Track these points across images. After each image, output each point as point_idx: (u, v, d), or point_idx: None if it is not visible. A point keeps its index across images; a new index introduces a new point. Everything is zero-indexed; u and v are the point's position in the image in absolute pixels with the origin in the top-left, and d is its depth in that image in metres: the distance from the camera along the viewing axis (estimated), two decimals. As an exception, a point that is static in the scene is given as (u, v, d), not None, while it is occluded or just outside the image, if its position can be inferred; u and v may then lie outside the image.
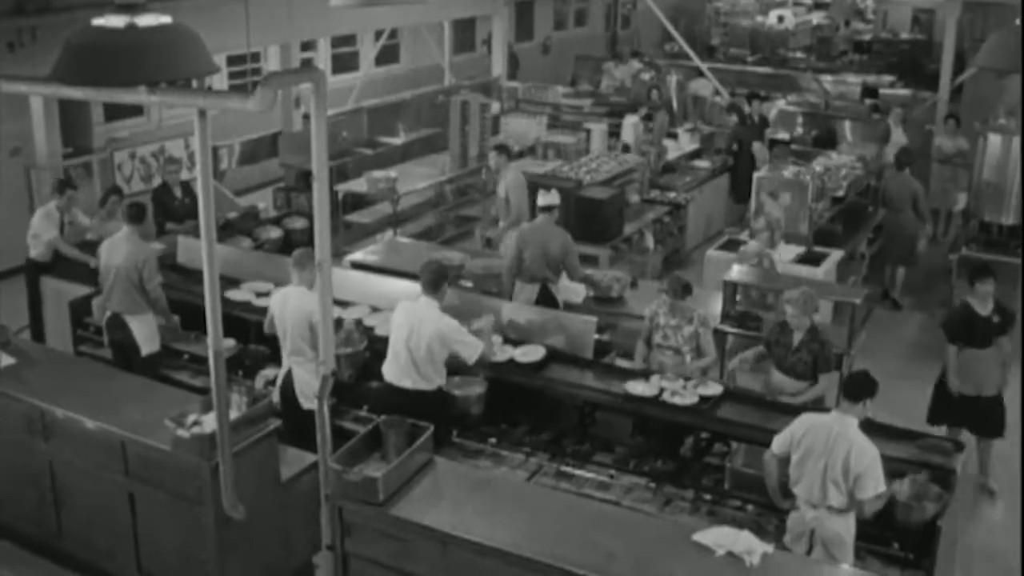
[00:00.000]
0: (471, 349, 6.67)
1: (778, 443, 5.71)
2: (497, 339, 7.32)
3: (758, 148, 12.95)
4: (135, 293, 7.69)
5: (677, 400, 6.57)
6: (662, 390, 6.67)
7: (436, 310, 6.70)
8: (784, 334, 7.13)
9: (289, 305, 6.92)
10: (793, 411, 6.27)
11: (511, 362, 7.13)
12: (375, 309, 7.88)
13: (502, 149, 10.35)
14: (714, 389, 6.69)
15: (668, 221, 11.91)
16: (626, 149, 13.00)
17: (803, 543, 5.63)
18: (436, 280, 6.76)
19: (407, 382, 6.68)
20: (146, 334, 7.80)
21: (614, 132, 14.13)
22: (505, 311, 7.67)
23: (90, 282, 8.37)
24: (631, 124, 13.40)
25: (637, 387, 6.71)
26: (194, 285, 7.26)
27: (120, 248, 7.72)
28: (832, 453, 5.43)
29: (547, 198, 8.50)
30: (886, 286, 11.42)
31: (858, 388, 5.59)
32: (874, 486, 5.39)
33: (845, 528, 5.54)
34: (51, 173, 10.68)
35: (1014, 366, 7.98)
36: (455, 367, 6.86)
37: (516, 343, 7.31)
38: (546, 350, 7.22)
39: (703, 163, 13.61)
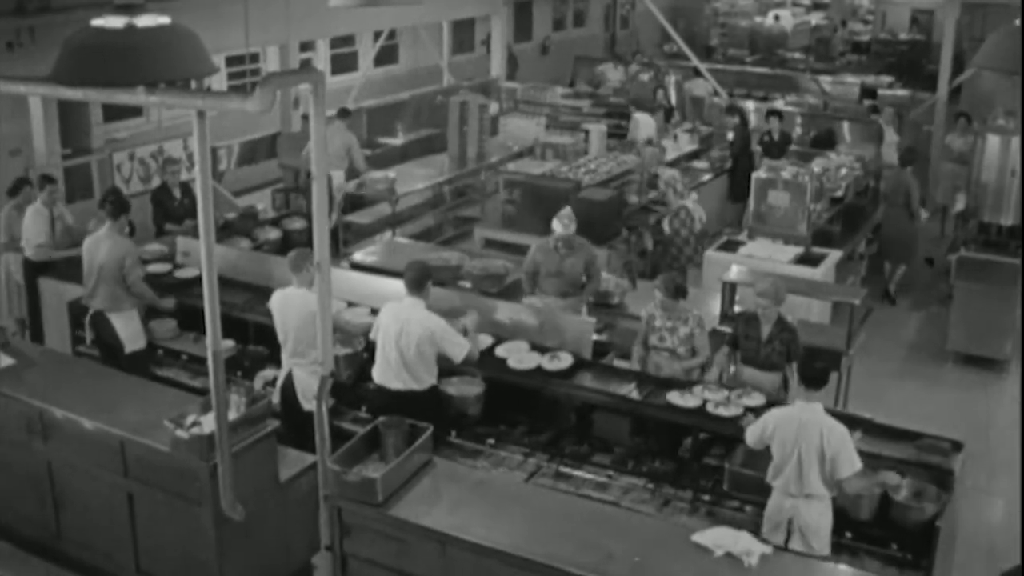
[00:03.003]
0: (459, 348, 6.66)
1: (751, 437, 5.85)
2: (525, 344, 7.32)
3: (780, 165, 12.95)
4: (118, 289, 7.70)
5: (722, 412, 6.49)
6: (705, 402, 6.61)
7: (423, 309, 6.69)
8: (751, 327, 7.14)
9: (291, 306, 6.91)
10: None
11: (539, 369, 7.07)
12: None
13: (341, 112, 12.39)
14: (757, 400, 6.61)
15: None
16: (649, 143, 13.15)
17: (781, 532, 5.68)
18: (420, 279, 6.75)
19: (397, 384, 6.66)
20: (130, 332, 7.80)
21: (614, 133, 14.15)
22: (501, 311, 7.68)
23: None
24: (649, 122, 13.72)
25: (679, 399, 6.68)
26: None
27: (102, 245, 7.72)
28: (804, 440, 5.54)
29: (558, 218, 8.22)
30: (886, 282, 11.53)
31: (817, 376, 5.79)
32: (850, 464, 5.52)
33: (822, 514, 5.63)
34: (51, 172, 10.69)
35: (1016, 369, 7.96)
36: (454, 367, 6.85)
37: (544, 350, 7.27)
38: (574, 358, 7.15)
39: (702, 163, 13.62)
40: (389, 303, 6.88)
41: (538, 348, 7.31)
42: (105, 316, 7.74)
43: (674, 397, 6.68)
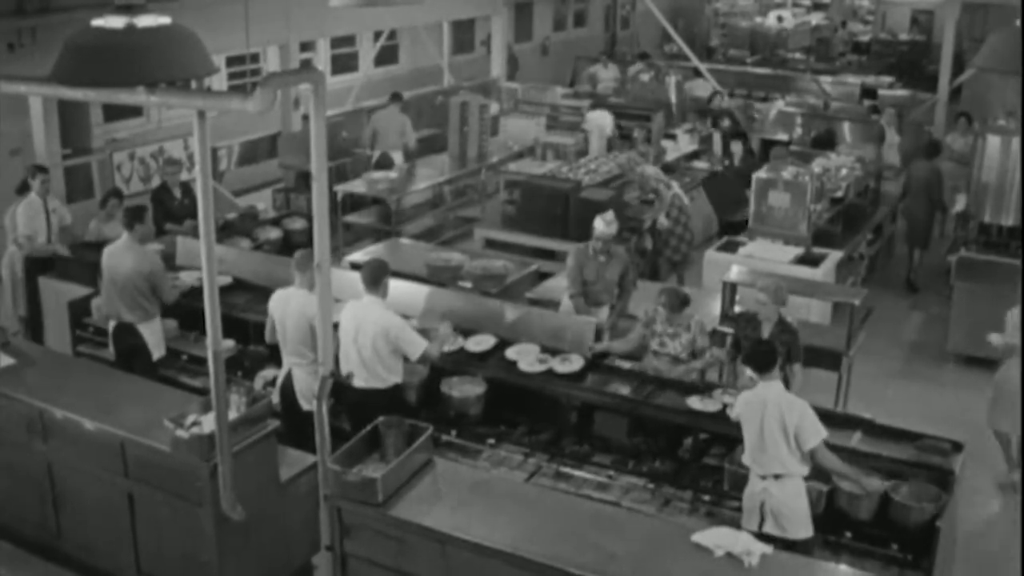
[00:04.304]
0: (413, 347, 6.65)
1: (732, 417, 6.08)
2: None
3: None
4: (144, 302, 7.63)
5: None
6: (725, 406, 6.59)
7: (380, 307, 6.69)
8: (752, 328, 7.15)
9: (290, 307, 6.91)
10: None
11: (549, 372, 7.06)
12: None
13: (394, 96, 13.45)
14: None
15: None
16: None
17: (755, 517, 5.73)
18: (376, 277, 6.74)
19: (359, 381, 6.66)
20: (156, 340, 7.78)
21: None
22: (502, 311, 7.67)
23: (90, 282, 8.36)
24: (603, 118, 13.57)
25: (698, 403, 6.67)
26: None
27: (125, 258, 7.61)
28: (766, 418, 5.66)
29: (601, 217, 8.27)
30: (909, 271, 11.90)
31: (764, 358, 5.86)
32: (815, 433, 5.62)
33: (793, 496, 5.68)
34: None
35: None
36: (455, 367, 6.84)
37: (554, 352, 7.27)
38: (584, 360, 7.17)
39: (702, 164, 13.62)
40: (350, 302, 6.89)
41: (548, 350, 7.30)
42: (134, 327, 7.68)
43: (694, 402, 6.67)
